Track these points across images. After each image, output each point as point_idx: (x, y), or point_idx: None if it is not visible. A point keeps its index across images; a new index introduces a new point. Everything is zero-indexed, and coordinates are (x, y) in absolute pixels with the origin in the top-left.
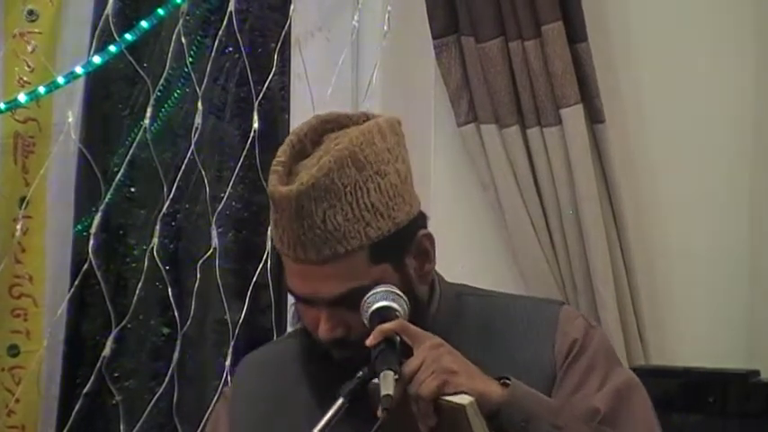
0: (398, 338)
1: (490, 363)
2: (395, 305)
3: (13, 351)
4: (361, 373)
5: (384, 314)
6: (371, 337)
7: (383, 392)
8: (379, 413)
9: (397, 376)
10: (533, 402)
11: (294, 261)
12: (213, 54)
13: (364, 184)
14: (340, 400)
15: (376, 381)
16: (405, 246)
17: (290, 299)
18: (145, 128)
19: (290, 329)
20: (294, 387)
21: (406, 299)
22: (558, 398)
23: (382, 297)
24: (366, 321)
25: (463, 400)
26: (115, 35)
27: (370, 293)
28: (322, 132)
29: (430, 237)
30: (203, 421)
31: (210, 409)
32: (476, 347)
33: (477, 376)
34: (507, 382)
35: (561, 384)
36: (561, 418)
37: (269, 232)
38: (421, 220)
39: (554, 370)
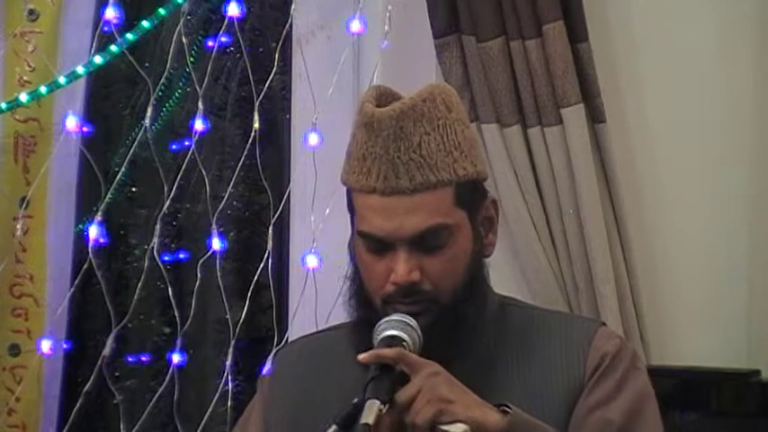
0: (398, 368)
1: (525, 372)
2: (404, 335)
3: (14, 350)
4: (356, 400)
5: (392, 343)
6: (366, 355)
7: (362, 421)
8: None
9: (383, 406)
10: (533, 430)
11: (382, 193)
12: (214, 54)
13: (453, 124)
14: (333, 427)
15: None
16: (479, 202)
17: (293, 299)
18: (145, 127)
19: (290, 327)
20: (326, 381)
21: (419, 332)
22: (580, 410)
23: (394, 326)
24: (375, 347)
25: (458, 429)
26: (116, 35)
27: (383, 320)
28: (394, 94)
29: (497, 206)
30: (204, 421)
31: (210, 408)
32: (513, 356)
33: (474, 405)
34: (507, 410)
35: (586, 398)
36: None
37: (270, 232)
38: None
39: (582, 383)
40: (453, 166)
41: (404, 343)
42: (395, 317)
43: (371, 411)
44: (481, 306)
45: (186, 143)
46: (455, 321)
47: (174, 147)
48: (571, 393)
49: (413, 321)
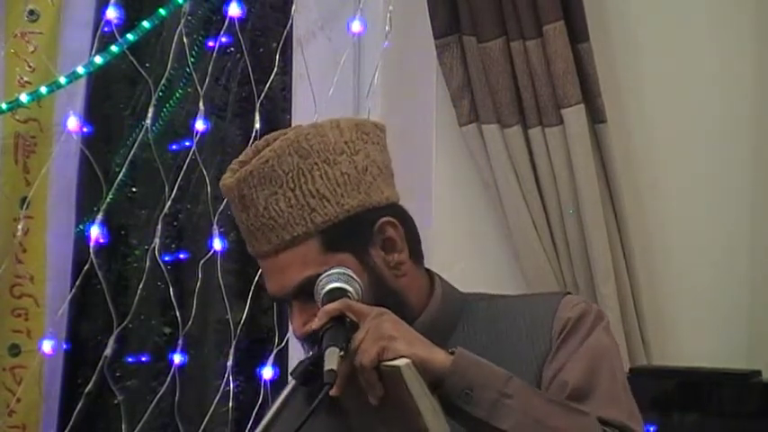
0: (348, 318)
1: (496, 357)
2: (347, 286)
3: (15, 351)
4: (311, 353)
5: (336, 295)
6: (317, 319)
7: (326, 368)
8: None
9: (342, 353)
10: (480, 370)
11: (258, 257)
12: (215, 54)
13: (309, 172)
14: (292, 382)
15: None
16: (363, 235)
17: None
18: (146, 128)
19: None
20: None
21: (360, 281)
22: (546, 375)
23: (335, 279)
24: (319, 305)
25: (400, 362)
26: (116, 35)
27: (323, 275)
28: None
29: (393, 224)
30: (205, 421)
31: (211, 409)
32: (483, 345)
33: (417, 342)
34: (454, 350)
35: (550, 363)
36: (510, 386)
37: None
38: (386, 210)
39: (548, 352)
40: (311, 217)
41: (348, 293)
42: (335, 269)
43: (333, 358)
44: (407, 304)
45: (187, 143)
46: None
47: (174, 147)
48: (539, 364)
49: (350, 270)
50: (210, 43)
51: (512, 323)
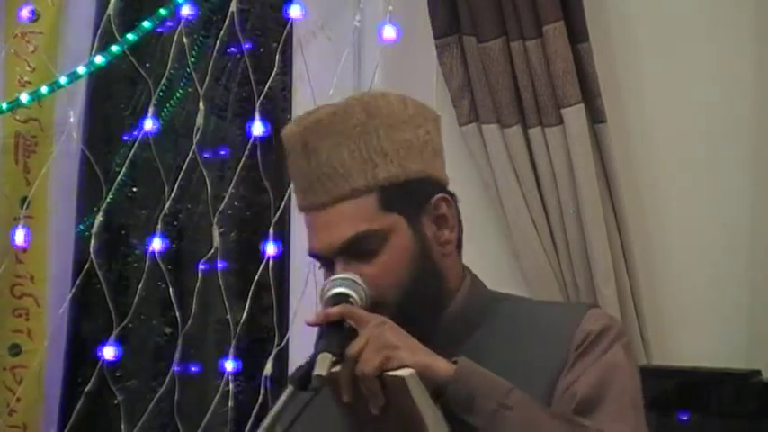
0: (347, 324)
1: (513, 358)
2: (351, 292)
3: (15, 350)
4: (308, 358)
5: (339, 301)
6: (313, 317)
7: (315, 372)
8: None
9: (335, 358)
10: (481, 380)
11: (308, 211)
12: (215, 54)
13: (375, 130)
14: (289, 388)
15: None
16: (419, 202)
17: (293, 299)
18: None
19: (291, 328)
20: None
21: (366, 289)
22: (560, 386)
23: (340, 284)
24: (322, 308)
25: (404, 372)
26: (117, 35)
27: (329, 279)
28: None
29: (448, 201)
30: (204, 422)
31: (211, 409)
32: (503, 344)
33: (420, 350)
34: (457, 359)
35: (566, 375)
36: (511, 397)
37: (270, 232)
38: (443, 188)
39: (566, 362)
40: (373, 172)
41: (350, 299)
42: (341, 275)
43: (324, 363)
44: (436, 302)
45: (187, 144)
46: (408, 319)
47: (174, 147)
48: (555, 374)
49: (358, 278)
50: (211, 43)
51: (533, 327)
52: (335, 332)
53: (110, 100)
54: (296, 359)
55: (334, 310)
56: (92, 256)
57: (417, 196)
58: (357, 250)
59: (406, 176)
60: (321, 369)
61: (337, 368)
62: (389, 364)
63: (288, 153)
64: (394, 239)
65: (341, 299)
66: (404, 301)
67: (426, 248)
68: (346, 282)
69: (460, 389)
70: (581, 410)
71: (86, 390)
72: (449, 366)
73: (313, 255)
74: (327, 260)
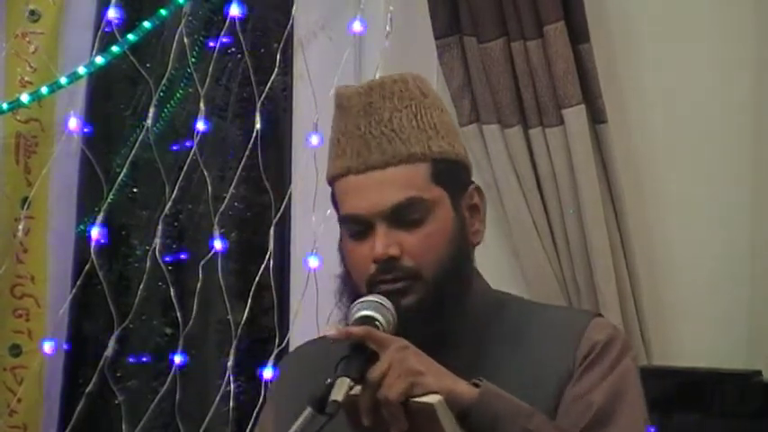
0: (369, 348)
1: (517, 362)
2: (377, 315)
3: (16, 351)
4: (329, 380)
5: (365, 323)
6: (335, 332)
7: (331, 398)
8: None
9: (353, 383)
10: (504, 403)
11: (357, 171)
12: (215, 54)
13: (427, 108)
14: (307, 410)
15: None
16: (462, 183)
17: (294, 299)
18: (147, 128)
19: (291, 328)
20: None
21: (394, 313)
22: (567, 396)
23: (368, 306)
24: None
25: (432, 399)
26: (117, 36)
27: (358, 301)
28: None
29: (481, 193)
30: (206, 422)
31: (212, 409)
32: (507, 347)
33: (444, 375)
34: (478, 382)
35: (574, 386)
36: (533, 421)
37: (271, 232)
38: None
39: (572, 371)
40: (428, 143)
41: (376, 323)
42: (369, 297)
43: (341, 389)
44: (466, 287)
45: (188, 144)
46: (441, 299)
47: (175, 147)
48: (562, 382)
49: (387, 302)
50: (211, 43)
51: (540, 331)
52: (356, 355)
53: (110, 100)
54: None
55: (357, 330)
56: (92, 256)
57: (461, 177)
58: (403, 217)
59: (455, 155)
60: (338, 395)
61: (355, 391)
62: (416, 390)
63: (342, 113)
64: (438, 212)
65: (367, 321)
66: (441, 279)
67: (464, 230)
68: (374, 304)
69: (484, 413)
70: (598, 421)
71: (87, 390)
72: (472, 390)
73: (349, 218)
74: (368, 224)
